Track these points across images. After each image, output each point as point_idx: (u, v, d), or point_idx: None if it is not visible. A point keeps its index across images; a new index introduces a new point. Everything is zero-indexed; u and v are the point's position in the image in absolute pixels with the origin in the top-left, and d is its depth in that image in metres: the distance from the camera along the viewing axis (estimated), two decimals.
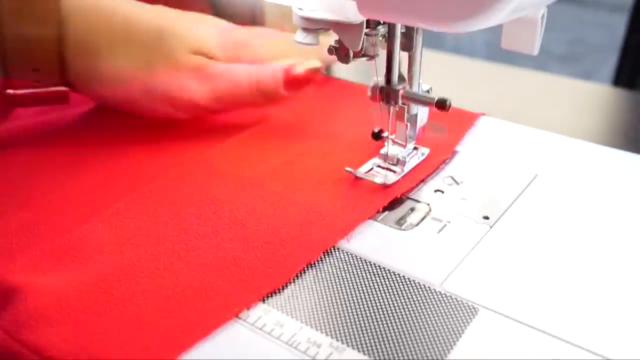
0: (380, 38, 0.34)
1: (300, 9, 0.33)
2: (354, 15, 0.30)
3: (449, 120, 0.43)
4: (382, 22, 0.34)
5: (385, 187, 0.36)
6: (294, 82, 0.41)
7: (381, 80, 0.36)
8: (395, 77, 0.35)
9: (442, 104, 0.34)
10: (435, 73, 0.67)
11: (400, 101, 0.35)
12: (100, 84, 0.40)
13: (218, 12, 0.62)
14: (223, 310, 0.28)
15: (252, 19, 0.62)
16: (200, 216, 0.34)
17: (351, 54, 0.34)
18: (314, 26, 0.33)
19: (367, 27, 0.33)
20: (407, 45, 0.34)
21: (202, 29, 0.42)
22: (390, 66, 0.35)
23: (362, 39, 0.32)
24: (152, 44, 0.40)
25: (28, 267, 0.30)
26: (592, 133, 0.57)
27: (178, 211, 0.34)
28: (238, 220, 0.33)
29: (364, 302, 0.28)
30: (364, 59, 0.35)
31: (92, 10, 0.39)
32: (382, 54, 0.35)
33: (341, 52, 0.34)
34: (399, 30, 0.34)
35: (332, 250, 0.32)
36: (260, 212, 0.34)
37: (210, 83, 0.40)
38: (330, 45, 0.34)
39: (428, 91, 0.37)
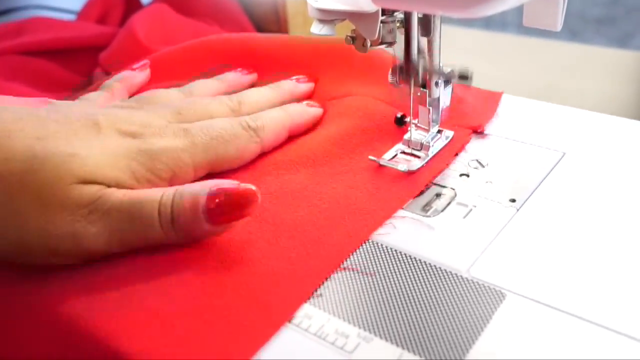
0: (398, 24, 0.34)
1: (315, 0, 0.33)
2: (367, 4, 0.30)
3: (472, 102, 0.43)
4: None
5: (409, 173, 0.36)
6: (222, 214, 0.30)
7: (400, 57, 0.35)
8: (414, 54, 0.34)
9: (464, 77, 0.33)
10: (465, 50, 0.66)
11: (420, 77, 0.34)
12: None
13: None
14: (274, 316, 0.28)
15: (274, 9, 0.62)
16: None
17: (369, 43, 0.34)
18: (330, 17, 0.33)
19: (383, 15, 0.33)
20: (425, 30, 0.34)
21: (92, 147, 0.31)
22: (409, 42, 0.34)
23: (378, 27, 0.32)
24: (19, 176, 0.29)
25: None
26: (631, 103, 0.56)
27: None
28: (267, 217, 0.33)
29: (391, 291, 0.29)
30: (383, 46, 0.34)
31: None
32: (401, 40, 0.35)
33: (359, 41, 0.34)
34: (415, 16, 0.34)
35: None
36: (289, 207, 0.34)
37: (106, 221, 0.30)
38: (347, 35, 0.34)
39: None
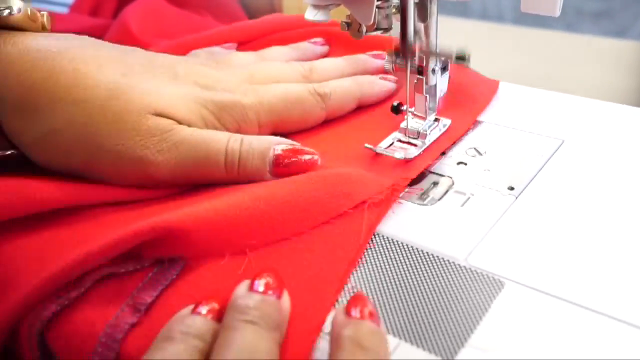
0: (394, 10, 0.33)
1: None
2: None
3: (471, 89, 0.42)
4: None
5: (406, 161, 0.35)
6: (285, 168, 0.33)
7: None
8: (411, 34, 0.33)
9: (461, 58, 0.32)
10: (462, 41, 0.65)
11: (417, 57, 0.34)
12: (39, 149, 0.33)
13: None
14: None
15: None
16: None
17: (364, 29, 0.33)
18: (324, 2, 0.32)
19: (378, 0, 0.32)
20: (422, 16, 0.33)
21: (170, 89, 0.34)
22: (405, 22, 0.33)
23: (374, 12, 0.32)
24: (101, 102, 0.32)
25: None
26: (628, 92, 0.55)
27: None
28: (265, 210, 0.32)
29: (387, 281, 0.28)
30: (378, 32, 0.34)
31: (29, 64, 0.32)
32: (396, 26, 0.34)
33: (354, 27, 0.33)
34: (412, 0, 0.33)
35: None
36: (286, 198, 0.32)
37: (173, 153, 0.33)
38: (342, 21, 0.34)
39: (446, 61, 0.36)
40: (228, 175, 0.33)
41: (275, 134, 0.37)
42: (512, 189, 0.33)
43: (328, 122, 0.40)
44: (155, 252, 0.29)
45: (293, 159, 0.33)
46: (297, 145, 0.34)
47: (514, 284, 0.27)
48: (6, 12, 0.32)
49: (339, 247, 0.30)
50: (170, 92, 0.34)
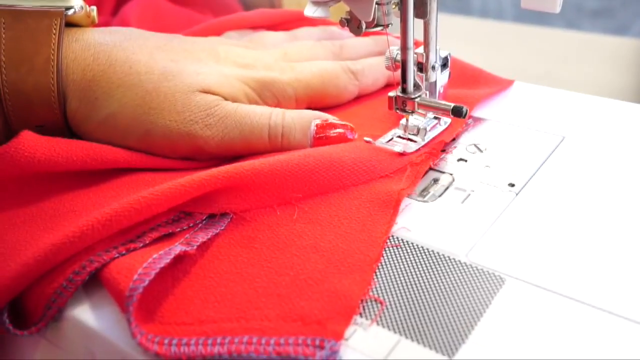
0: (393, 6, 0.33)
1: None
2: None
3: (480, 85, 0.42)
4: None
5: (404, 154, 0.35)
6: (324, 140, 0.36)
7: (398, 90, 0.35)
8: (410, 86, 0.35)
9: (458, 112, 0.33)
10: (462, 39, 0.65)
11: (416, 109, 0.35)
12: (101, 133, 0.36)
13: None
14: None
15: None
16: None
17: (364, 25, 0.33)
18: None
19: None
20: (422, 12, 0.33)
21: (214, 69, 0.37)
22: (406, 75, 0.35)
23: (373, 8, 0.31)
24: (154, 84, 0.35)
25: None
26: (628, 90, 0.55)
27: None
28: (313, 166, 0.33)
29: (388, 277, 0.28)
30: (378, 28, 0.34)
31: (91, 59, 0.35)
32: (396, 22, 0.34)
33: (353, 23, 0.33)
34: None
35: None
36: (333, 156, 0.33)
37: (220, 127, 0.35)
38: (341, 17, 0.33)
39: (447, 57, 0.36)
40: (272, 148, 0.36)
41: (309, 109, 0.39)
42: (512, 185, 0.33)
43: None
44: (207, 209, 0.32)
45: (332, 132, 0.36)
46: (335, 119, 0.37)
47: (515, 280, 0.27)
48: (71, 11, 0.36)
49: (384, 193, 0.32)
50: (215, 72, 0.37)
